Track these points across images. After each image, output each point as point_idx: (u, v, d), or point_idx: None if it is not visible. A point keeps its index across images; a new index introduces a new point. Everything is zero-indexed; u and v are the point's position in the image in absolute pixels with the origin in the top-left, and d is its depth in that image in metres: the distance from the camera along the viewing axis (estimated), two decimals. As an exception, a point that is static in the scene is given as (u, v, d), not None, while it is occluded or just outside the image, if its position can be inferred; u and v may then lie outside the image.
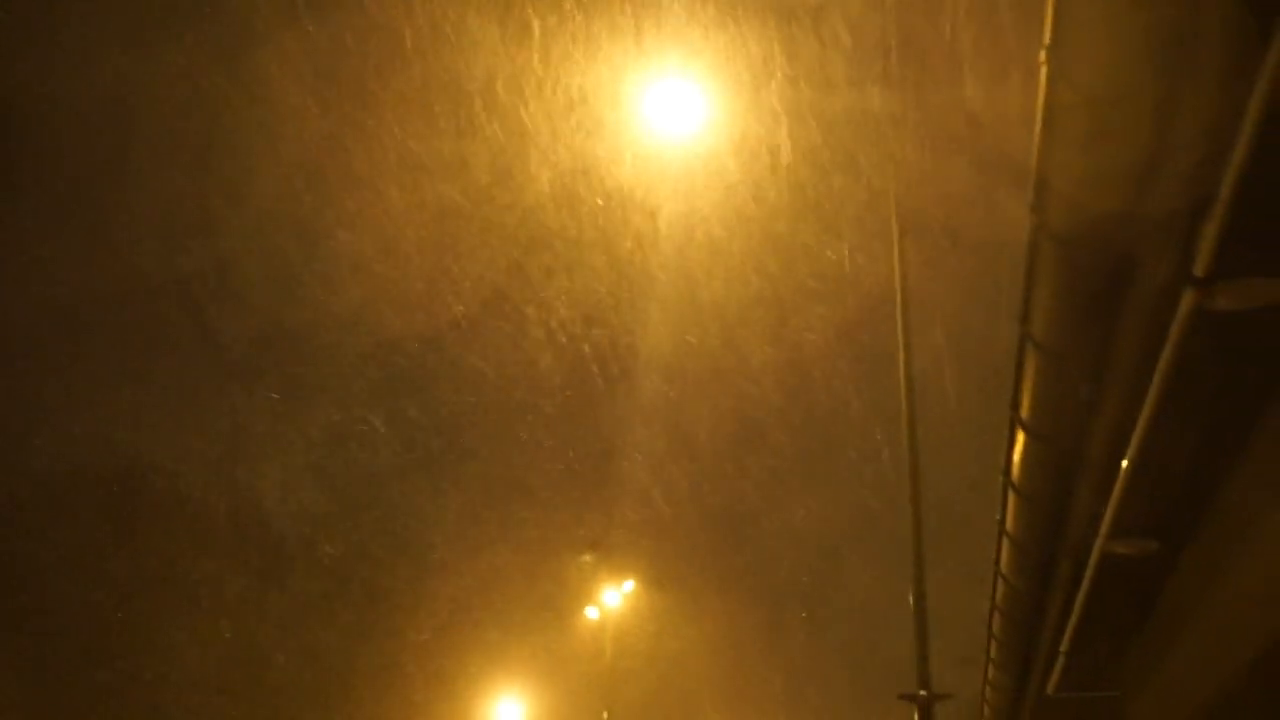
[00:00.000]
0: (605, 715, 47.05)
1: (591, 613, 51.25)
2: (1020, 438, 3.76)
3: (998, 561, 5.01)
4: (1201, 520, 4.06)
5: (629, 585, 51.64)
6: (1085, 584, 4.53)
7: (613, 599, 50.43)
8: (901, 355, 13.89)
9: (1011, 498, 4.28)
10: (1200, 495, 3.87)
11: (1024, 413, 3.61)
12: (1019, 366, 3.45)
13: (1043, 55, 2.28)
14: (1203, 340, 2.74)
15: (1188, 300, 2.58)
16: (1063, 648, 5.39)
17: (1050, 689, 6.19)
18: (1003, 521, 4.57)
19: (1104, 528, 3.96)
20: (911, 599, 13.39)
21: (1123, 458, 3.45)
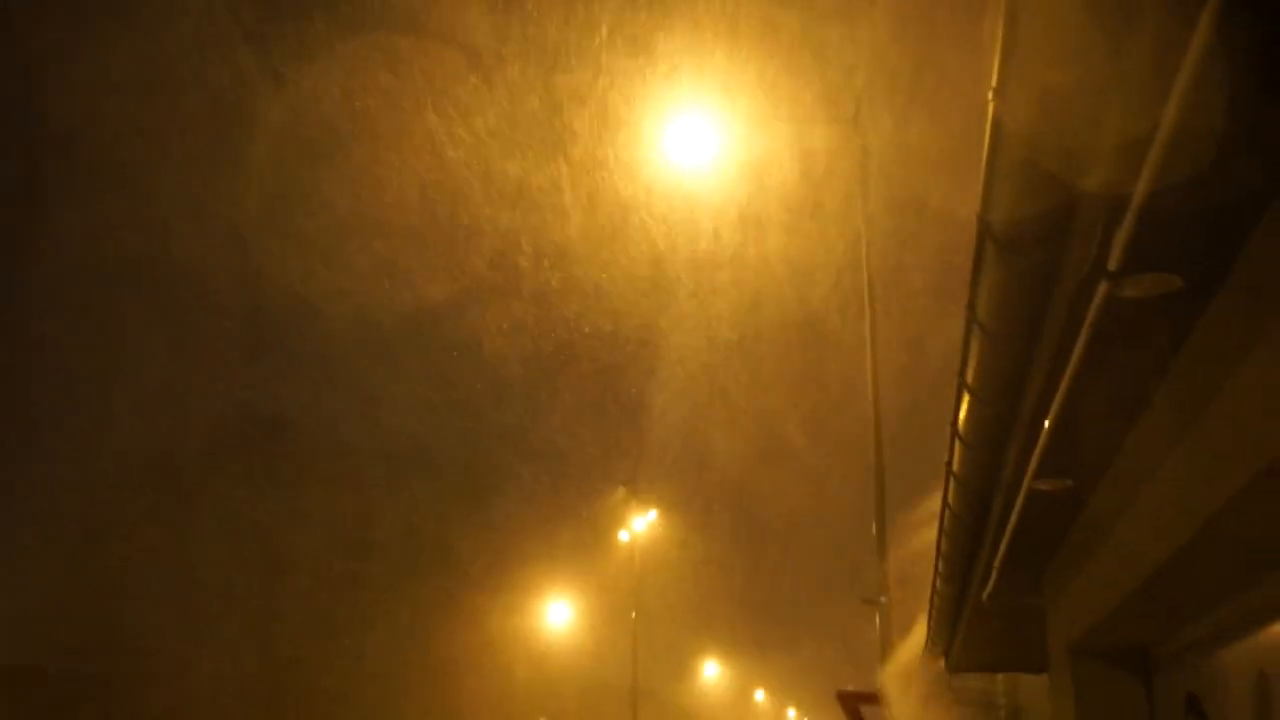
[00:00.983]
0: (634, 614, 47.44)
1: (623, 535, 51.85)
2: (965, 399, 3.72)
3: (945, 497, 4.96)
4: (1109, 463, 4.05)
5: (652, 514, 52.22)
6: (1014, 514, 4.50)
7: (639, 525, 51.04)
8: (868, 341, 13.81)
9: (957, 446, 4.24)
10: (1108, 443, 3.85)
11: (969, 379, 3.58)
12: (965, 344, 3.42)
13: (990, 95, 2.26)
14: (1113, 322, 2.72)
15: (1102, 290, 2.55)
16: (995, 564, 5.37)
17: (985, 597, 6.17)
18: (950, 465, 4.52)
19: (1030, 470, 3.94)
20: (874, 529, 13.35)
21: (1046, 416, 3.43)
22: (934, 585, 6.86)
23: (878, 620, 13.57)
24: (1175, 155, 2.07)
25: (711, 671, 77.69)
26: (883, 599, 13.58)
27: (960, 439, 4.11)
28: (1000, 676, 14.13)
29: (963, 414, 3.88)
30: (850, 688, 12.81)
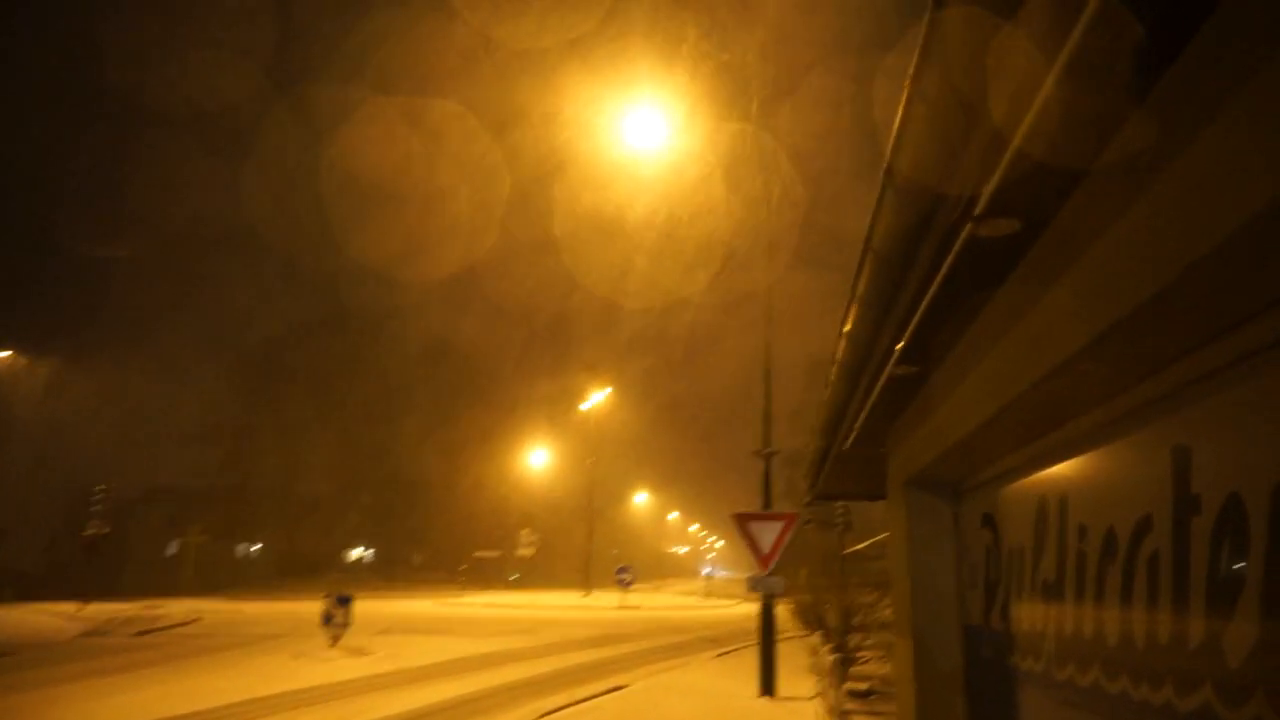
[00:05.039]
0: (590, 460, 47.62)
1: (584, 406, 52.05)
2: (854, 307, 3.70)
3: (829, 376, 4.95)
4: (945, 357, 4.05)
5: (608, 390, 52.34)
6: (876, 391, 4.51)
7: (598, 398, 51.24)
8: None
9: (843, 342, 4.22)
10: (948, 341, 3.85)
11: (859, 292, 3.54)
12: (859, 266, 3.37)
13: (906, 83, 2.20)
14: (969, 253, 2.72)
15: (967, 229, 2.56)
16: (857, 425, 5.41)
17: (846, 447, 6.22)
18: (835, 354, 4.51)
19: (893, 359, 3.95)
20: (764, 405, 13.38)
21: (912, 320, 3.43)
22: (812, 439, 6.93)
23: (764, 467, 13.87)
24: (1026, 146, 2.06)
25: (641, 499, 79.21)
26: (766, 451, 13.86)
27: (847, 336, 4.09)
28: (838, 504, 14.54)
29: (851, 317, 3.86)
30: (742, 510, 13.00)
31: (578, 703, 11.67)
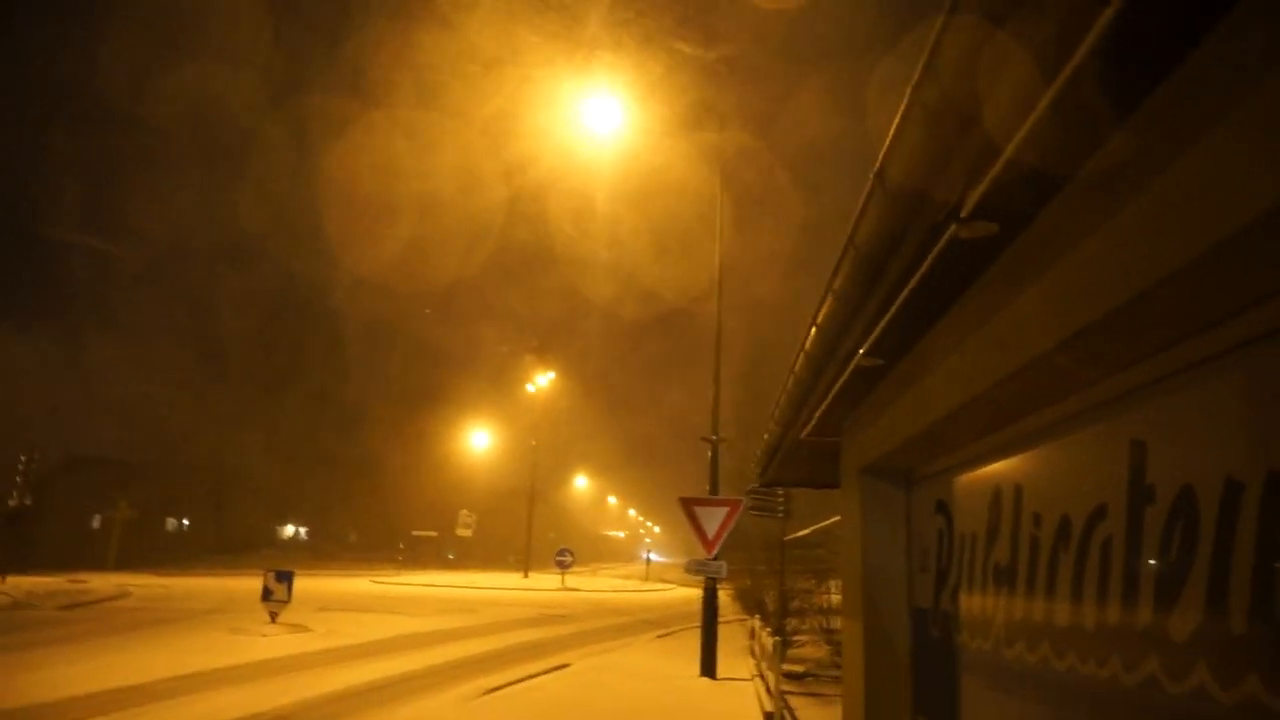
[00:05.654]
0: (533, 441, 47.34)
1: (530, 388, 51.89)
2: (828, 299, 3.82)
3: (793, 365, 5.08)
4: (910, 348, 4.17)
5: (551, 374, 52.30)
6: (841, 381, 4.66)
7: (543, 381, 51.17)
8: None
9: (813, 331, 4.32)
10: (915, 335, 3.98)
11: (835, 286, 3.65)
12: (839, 260, 3.47)
13: (907, 91, 2.32)
14: (948, 252, 2.87)
15: (951, 231, 2.70)
16: (817, 414, 5.57)
17: (802, 436, 6.38)
18: (803, 344, 4.61)
19: (862, 350, 4.08)
20: (712, 396, 13.55)
21: (885, 314, 3.57)
22: (769, 426, 7.06)
23: (709, 454, 14.08)
24: (1017, 155, 2.20)
25: (581, 483, 79.40)
26: (715, 438, 14.08)
27: (817, 325, 4.20)
28: (779, 492, 14.84)
29: (824, 309, 3.97)
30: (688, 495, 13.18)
31: (520, 680, 11.75)
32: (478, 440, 57.27)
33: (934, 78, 2.17)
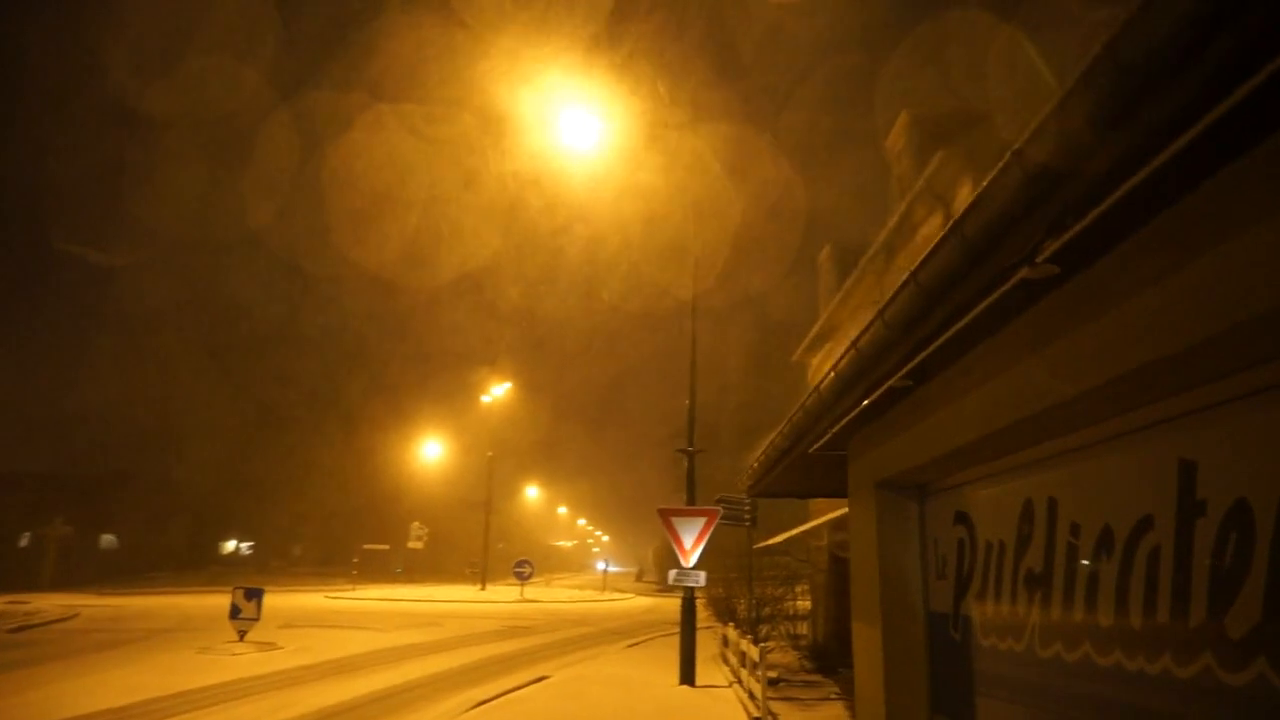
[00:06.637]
0: (489, 453, 47.04)
1: (486, 399, 51.52)
2: (876, 325, 4.01)
3: (819, 384, 5.29)
4: (939, 372, 4.45)
5: (508, 385, 51.93)
6: (870, 399, 4.93)
7: (498, 391, 50.83)
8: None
9: (852, 353, 4.52)
10: (948, 362, 4.26)
11: (886, 315, 3.84)
12: (896, 294, 3.65)
13: (1007, 155, 2.58)
14: (1011, 293, 3.16)
15: (1022, 272, 2.97)
16: (834, 430, 5.82)
17: (810, 450, 6.61)
18: (838, 363, 4.80)
19: (898, 374, 4.34)
20: (688, 403, 13.75)
21: (931, 343, 3.82)
22: (774, 440, 7.26)
23: (685, 464, 14.31)
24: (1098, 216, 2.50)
25: (532, 493, 79.17)
26: (691, 449, 14.33)
27: (857, 348, 4.42)
28: (745, 501, 15.16)
29: (868, 335, 4.20)
30: (665, 506, 13.37)
31: (506, 693, 11.82)
32: (429, 451, 56.68)
33: (1041, 139, 2.44)
